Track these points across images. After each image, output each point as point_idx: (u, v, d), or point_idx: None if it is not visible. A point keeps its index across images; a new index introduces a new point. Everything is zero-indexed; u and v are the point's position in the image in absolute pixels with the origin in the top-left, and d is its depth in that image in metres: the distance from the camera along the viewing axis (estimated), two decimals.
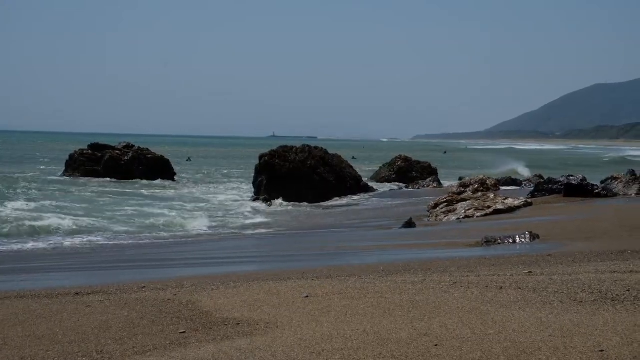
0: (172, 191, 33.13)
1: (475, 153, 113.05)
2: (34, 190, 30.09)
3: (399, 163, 40.24)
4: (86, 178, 37.17)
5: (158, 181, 37.68)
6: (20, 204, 23.97)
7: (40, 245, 16.36)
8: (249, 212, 25.34)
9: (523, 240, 12.23)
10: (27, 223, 19.10)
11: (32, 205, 23.77)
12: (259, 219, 23.24)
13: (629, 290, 6.40)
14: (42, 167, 47.79)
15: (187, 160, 63.59)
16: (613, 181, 22.15)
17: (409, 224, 17.30)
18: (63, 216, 20.92)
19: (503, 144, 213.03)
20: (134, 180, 37.45)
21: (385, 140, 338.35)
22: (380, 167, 41.99)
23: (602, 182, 22.65)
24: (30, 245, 16.34)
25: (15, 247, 16.06)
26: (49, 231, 18.41)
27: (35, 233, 18.09)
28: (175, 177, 40.07)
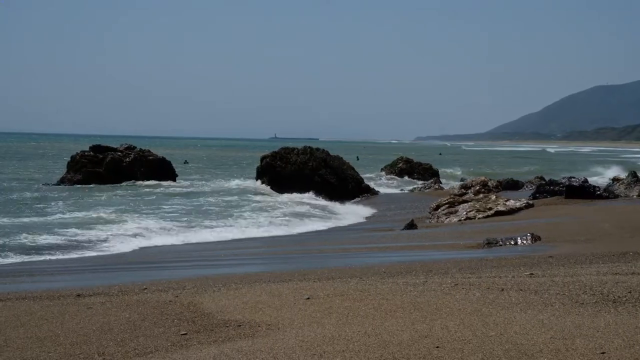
0: (176, 189, 32.98)
1: (514, 160, 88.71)
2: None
3: (400, 164, 40.30)
4: (80, 185, 35.59)
5: (160, 182, 37.48)
6: None
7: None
8: (249, 212, 25.28)
9: (524, 241, 12.22)
10: None
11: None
12: (259, 220, 23.18)
13: (630, 292, 6.39)
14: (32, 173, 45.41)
15: (184, 162, 63.09)
16: (614, 183, 22.17)
17: (411, 226, 17.30)
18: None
19: (526, 146, 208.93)
20: (135, 182, 37.14)
21: (395, 141, 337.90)
22: (382, 169, 42.02)
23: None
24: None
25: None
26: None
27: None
28: (177, 179, 40.01)
